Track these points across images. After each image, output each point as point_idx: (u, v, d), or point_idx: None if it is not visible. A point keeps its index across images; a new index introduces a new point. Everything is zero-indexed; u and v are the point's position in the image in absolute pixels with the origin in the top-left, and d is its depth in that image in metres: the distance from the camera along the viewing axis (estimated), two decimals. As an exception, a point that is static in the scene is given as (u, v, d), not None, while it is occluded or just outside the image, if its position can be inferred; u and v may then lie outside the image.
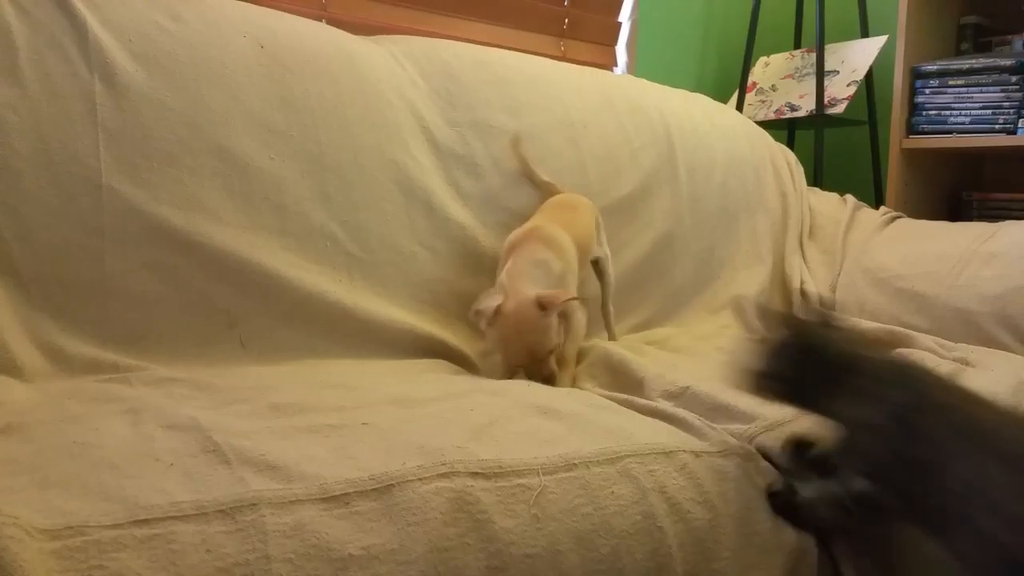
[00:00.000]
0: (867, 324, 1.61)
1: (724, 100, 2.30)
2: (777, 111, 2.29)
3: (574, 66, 1.77)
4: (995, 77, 2.02)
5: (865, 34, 2.29)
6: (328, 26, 1.48)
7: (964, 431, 0.71)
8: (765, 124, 2.15)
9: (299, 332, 1.24)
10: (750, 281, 1.80)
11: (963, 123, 2.06)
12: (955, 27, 2.24)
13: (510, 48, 1.82)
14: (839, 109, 2.14)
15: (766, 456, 0.97)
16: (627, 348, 1.33)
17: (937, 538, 0.70)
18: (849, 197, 2.02)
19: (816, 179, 2.14)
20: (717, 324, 1.69)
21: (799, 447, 0.86)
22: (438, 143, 1.46)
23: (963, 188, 2.27)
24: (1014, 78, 1.99)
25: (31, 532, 0.61)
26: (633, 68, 2.32)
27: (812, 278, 1.84)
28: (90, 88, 1.16)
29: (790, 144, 2.40)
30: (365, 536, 0.69)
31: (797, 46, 2.47)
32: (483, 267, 1.43)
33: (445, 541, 0.71)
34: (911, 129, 2.14)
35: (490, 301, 1.19)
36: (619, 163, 1.66)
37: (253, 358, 1.19)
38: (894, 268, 1.71)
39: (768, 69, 2.43)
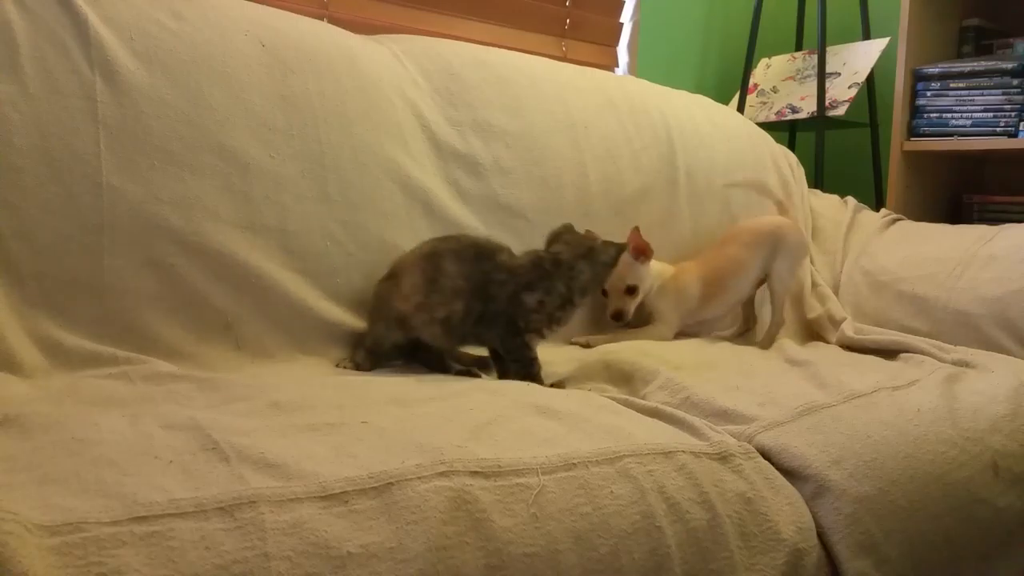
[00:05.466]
0: (871, 331, 1.61)
1: (725, 102, 2.30)
2: (778, 113, 2.29)
3: (575, 66, 1.77)
4: (996, 80, 2.02)
5: (867, 36, 2.29)
6: (329, 25, 1.49)
7: None
8: (766, 126, 2.15)
9: (295, 334, 1.24)
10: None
11: (964, 126, 2.06)
12: (957, 29, 2.24)
13: (511, 48, 1.82)
14: (840, 111, 2.14)
15: (766, 456, 0.97)
16: (629, 349, 1.33)
17: None
18: (850, 199, 2.02)
19: (817, 181, 2.14)
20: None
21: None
22: (439, 142, 1.46)
23: (964, 191, 2.27)
24: (1015, 81, 1.99)
25: (30, 528, 0.61)
26: (634, 69, 2.32)
27: (812, 280, 1.84)
28: (91, 85, 1.16)
29: (791, 146, 2.40)
30: (364, 534, 0.69)
31: (798, 48, 2.47)
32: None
33: (444, 540, 0.71)
34: (912, 131, 2.15)
35: None
36: (620, 164, 1.66)
37: (248, 359, 1.19)
38: (894, 270, 1.70)
39: (769, 71, 2.43)
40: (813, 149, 2.20)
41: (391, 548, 0.69)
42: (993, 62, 2.04)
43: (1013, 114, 1.99)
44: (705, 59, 2.51)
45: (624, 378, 1.22)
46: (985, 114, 2.03)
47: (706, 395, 1.10)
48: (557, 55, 2.14)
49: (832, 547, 0.92)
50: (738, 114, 2.06)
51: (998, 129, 2.01)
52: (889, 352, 1.51)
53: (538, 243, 1.51)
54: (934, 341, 1.50)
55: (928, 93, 2.12)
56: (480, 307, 1.20)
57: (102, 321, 1.11)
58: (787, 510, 0.91)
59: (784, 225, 1.64)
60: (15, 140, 1.09)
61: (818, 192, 2.07)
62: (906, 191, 2.15)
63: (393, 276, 1.25)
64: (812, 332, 1.73)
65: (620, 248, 1.29)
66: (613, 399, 1.10)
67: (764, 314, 1.68)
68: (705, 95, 1.99)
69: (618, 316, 1.49)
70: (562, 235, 1.29)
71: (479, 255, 1.23)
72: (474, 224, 1.44)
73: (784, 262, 1.62)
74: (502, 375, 1.25)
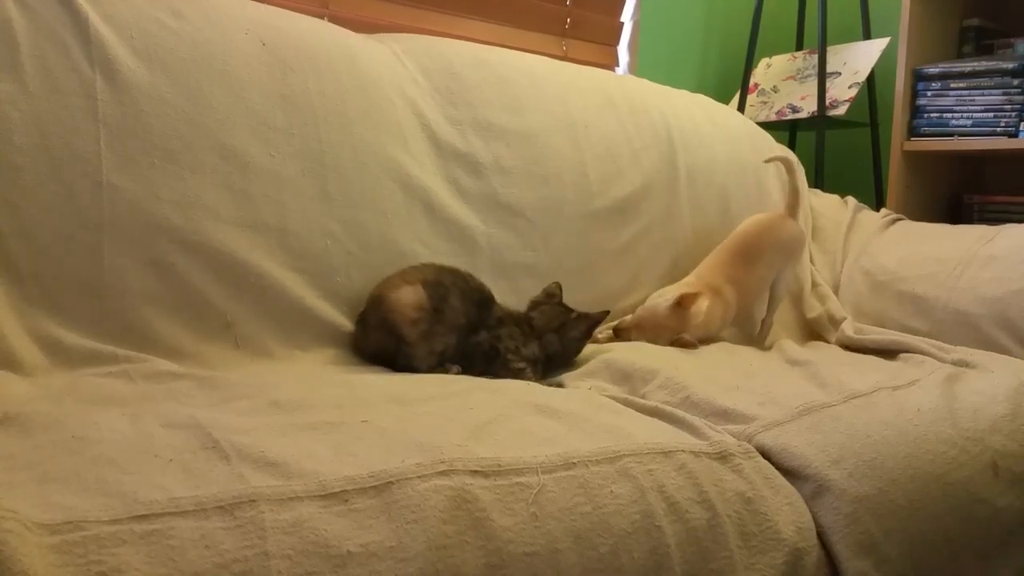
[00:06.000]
0: (871, 331, 1.61)
1: (725, 101, 2.30)
2: (778, 112, 2.29)
3: (576, 66, 1.77)
4: (997, 80, 2.02)
5: (867, 36, 2.29)
6: (330, 24, 1.49)
7: None
8: (766, 125, 2.15)
9: (294, 332, 1.24)
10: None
11: (964, 126, 2.06)
12: (957, 29, 2.24)
13: (512, 47, 1.82)
14: (840, 111, 2.14)
15: (766, 456, 0.97)
16: (629, 349, 1.34)
17: None
18: (850, 199, 2.02)
19: (817, 181, 2.14)
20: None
21: None
22: (439, 141, 1.46)
23: (964, 191, 2.27)
24: (1016, 81, 1.99)
25: (30, 526, 0.61)
26: (635, 68, 2.32)
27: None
28: (91, 84, 1.16)
29: (791, 145, 2.39)
30: (364, 533, 0.69)
31: (799, 47, 2.47)
32: (482, 266, 1.43)
33: (444, 539, 0.71)
34: (912, 131, 2.15)
35: None
36: (620, 163, 1.66)
37: (248, 358, 1.19)
38: (894, 270, 1.70)
39: (770, 70, 2.43)
40: (813, 149, 2.20)
41: (391, 547, 0.69)
42: (993, 62, 2.04)
43: (1013, 114, 1.99)
44: (705, 59, 2.51)
45: (624, 377, 1.22)
46: (985, 114, 2.03)
47: (706, 394, 1.10)
48: (557, 54, 2.14)
49: (832, 547, 0.92)
50: (738, 114, 2.06)
51: (998, 129, 2.01)
52: (889, 352, 1.51)
53: (538, 241, 1.52)
54: (934, 341, 1.50)
55: (928, 93, 2.12)
56: (465, 346, 1.26)
57: (102, 319, 1.11)
58: (787, 510, 0.91)
59: (797, 233, 1.66)
60: (15, 138, 1.09)
61: (818, 192, 2.07)
62: (906, 191, 2.15)
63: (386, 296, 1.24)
64: (812, 332, 1.73)
65: (595, 321, 1.32)
66: (613, 398, 1.10)
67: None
68: (705, 95, 1.99)
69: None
70: (540, 304, 1.34)
71: (481, 302, 1.29)
72: (474, 223, 1.44)
73: (791, 268, 1.65)
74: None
